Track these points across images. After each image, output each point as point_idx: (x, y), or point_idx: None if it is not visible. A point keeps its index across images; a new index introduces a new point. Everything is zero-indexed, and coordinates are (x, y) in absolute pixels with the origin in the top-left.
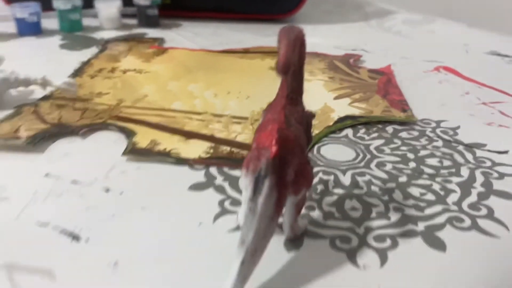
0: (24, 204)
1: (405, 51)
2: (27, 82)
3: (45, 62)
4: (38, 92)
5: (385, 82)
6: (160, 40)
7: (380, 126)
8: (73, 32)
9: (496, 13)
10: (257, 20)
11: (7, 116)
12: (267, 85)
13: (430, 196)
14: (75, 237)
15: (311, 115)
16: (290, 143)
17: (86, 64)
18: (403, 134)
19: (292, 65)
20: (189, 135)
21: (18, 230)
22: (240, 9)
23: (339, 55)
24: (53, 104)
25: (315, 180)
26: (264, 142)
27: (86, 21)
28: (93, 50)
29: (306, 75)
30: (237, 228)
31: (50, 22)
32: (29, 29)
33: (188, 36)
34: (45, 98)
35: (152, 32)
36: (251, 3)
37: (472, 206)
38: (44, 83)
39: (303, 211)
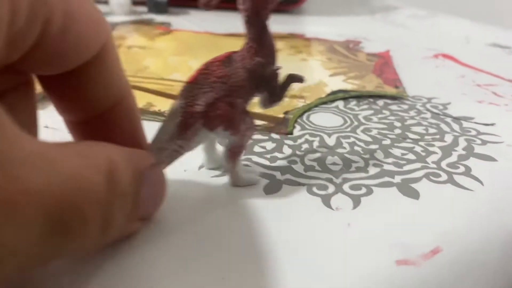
0: None
1: (406, 40)
2: None
3: None
4: None
5: (381, 64)
6: (167, 24)
7: (371, 100)
8: None
9: (499, 7)
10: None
11: None
12: None
13: (410, 156)
14: None
15: (275, 71)
16: (212, 77)
17: None
18: (393, 107)
19: (244, 10)
20: None
21: None
22: None
23: (340, 41)
24: None
25: (301, 140)
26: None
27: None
28: None
29: (304, 56)
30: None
31: None
32: None
33: (196, 22)
34: None
35: (160, 18)
36: None
37: (451, 165)
38: None
39: (253, 166)
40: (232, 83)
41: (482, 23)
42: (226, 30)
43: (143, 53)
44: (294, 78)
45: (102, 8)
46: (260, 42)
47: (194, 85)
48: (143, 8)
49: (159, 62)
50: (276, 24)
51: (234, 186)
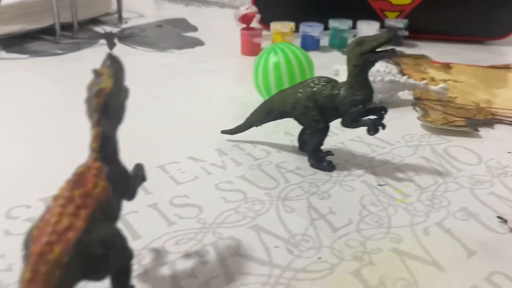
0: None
1: None
2: (413, 86)
3: None
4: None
5: None
6: (429, 57)
7: None
8: (340, 48)
9: None
10: (476, 42)
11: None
12: None
13: None
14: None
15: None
16: None
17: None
18: None
19: None
20: None
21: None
22: (461, 32)
23: None
24: (432, 103)
25: None
26: None
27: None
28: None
29: None
30: None
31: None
32: (312, 44)
33: (436, 56)
34: (417, 99)
35: (403, 50)
36: (471, 26)
37: None
38: (424, 88)
39: None
40: None
41: None
42: (465, 60)
43: (460, 86)
44: None
45: None
46: None
47: None
48: None
49: (487, 94)
50: (501, 55)
51: None
